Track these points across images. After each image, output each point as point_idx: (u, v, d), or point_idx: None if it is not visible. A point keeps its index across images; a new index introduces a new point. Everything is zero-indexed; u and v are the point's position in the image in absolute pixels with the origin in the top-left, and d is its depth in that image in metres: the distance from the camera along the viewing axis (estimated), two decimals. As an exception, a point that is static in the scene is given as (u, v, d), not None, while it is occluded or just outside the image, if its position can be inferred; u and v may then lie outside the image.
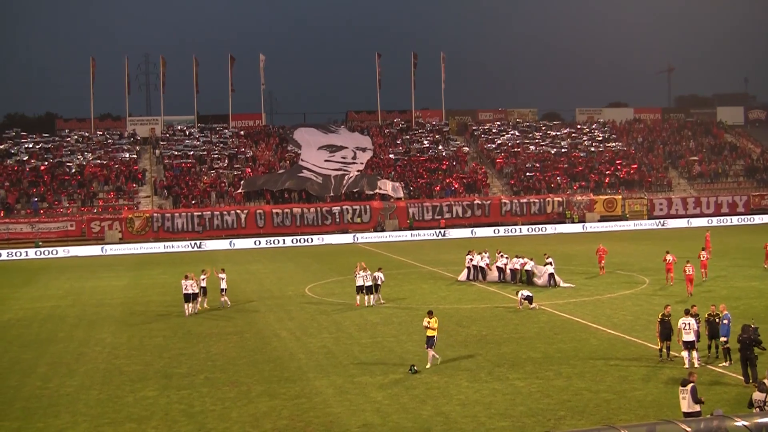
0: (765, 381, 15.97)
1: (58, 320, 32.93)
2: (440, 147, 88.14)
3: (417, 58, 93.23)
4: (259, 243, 68.12)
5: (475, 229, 72.59)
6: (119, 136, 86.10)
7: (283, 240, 69.05)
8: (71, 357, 25.71)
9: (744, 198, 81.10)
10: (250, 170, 79.85)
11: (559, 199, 77.59)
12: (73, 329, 30.77)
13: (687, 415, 15.59)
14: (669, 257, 36.76)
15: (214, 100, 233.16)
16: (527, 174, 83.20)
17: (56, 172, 76.94)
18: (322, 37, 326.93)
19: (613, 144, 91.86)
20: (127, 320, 32.37)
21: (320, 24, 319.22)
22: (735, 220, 77.73)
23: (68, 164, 78.55)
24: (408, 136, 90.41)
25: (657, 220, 76.73)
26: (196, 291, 33.20)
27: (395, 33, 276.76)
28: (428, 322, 22.74)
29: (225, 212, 71.48)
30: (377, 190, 76.86)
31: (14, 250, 64.33)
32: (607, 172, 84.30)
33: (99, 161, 79.76)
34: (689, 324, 21.50)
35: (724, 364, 21.68)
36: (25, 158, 79.03)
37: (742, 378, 19.99)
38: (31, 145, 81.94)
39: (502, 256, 40.07)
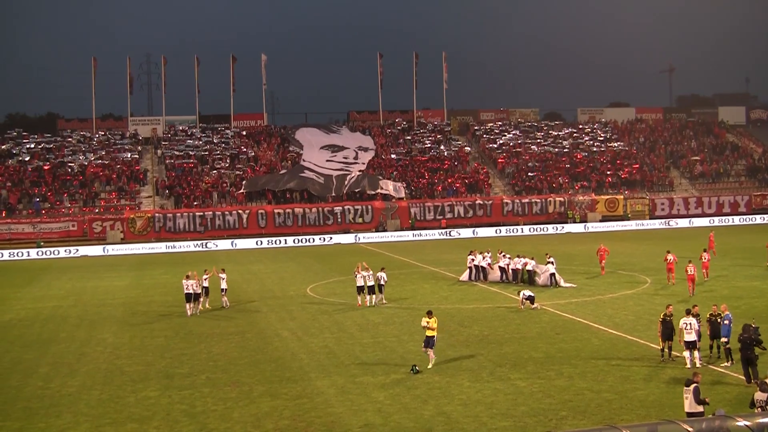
0: (767, 380, 15.95)
1: (60, 320, 32.96)
2: (442, 147, 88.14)
3: (418, 58, 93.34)
4: (261, 243, 68.14)
5: (477, 229, 72.59)
6: (121, 136, 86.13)
7: (285, 240, 69.07)
8: (73, 357, 25.73)
9: (746, 198, 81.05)
10: (251, 170, 79.88)
11: (561, 199, 77.56)
12: (74, 329, 30.80)
13: (690, 415, 15.58)
14: (670, 257, 36.75)
15: (216, 100, 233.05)
16: (529, 174, 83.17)
17: (58, 173, 77.00)
18: (324, 37, 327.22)
19: (615, 144, 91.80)
20: (129, 320, 32.39)
21: (322, 24, 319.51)
22: (737, 219, 77.67)
23: (70, 164, 78.60)
24: (409, 136, 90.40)
25: (660, 220, 76.70)
26: (198, 291, 33.23)
27: (397, 33, 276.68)
28: (427, 322, 22.68)
29: (227, 212, 71.52)
30: (379, 190, 76.86)
31: (16, 251, 64.38)
32: (609, 172, 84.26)
33: (101, 161, 79.81)
34: (690, 324, 21.49)
35: (725, 364, 21.67)
36: (27, 158, 79.07)
37: (743, 378, 19.98)
38: (32, 146, 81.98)
39: (504, 256, 40.08)
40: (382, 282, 33.84)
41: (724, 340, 21.97)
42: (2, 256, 63.21)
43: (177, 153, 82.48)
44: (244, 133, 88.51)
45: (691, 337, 21.48)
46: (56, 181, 75.71)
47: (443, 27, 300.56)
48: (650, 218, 77.77)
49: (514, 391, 20.07)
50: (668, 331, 22.29)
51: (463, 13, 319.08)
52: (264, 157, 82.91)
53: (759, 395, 15.30)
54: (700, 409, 15.65)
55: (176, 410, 19.44)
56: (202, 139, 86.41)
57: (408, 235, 71.32)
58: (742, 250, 50.92)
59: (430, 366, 22.44)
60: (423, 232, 72.04)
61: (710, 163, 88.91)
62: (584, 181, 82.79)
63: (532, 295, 31.79)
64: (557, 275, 37.38)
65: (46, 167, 77.24)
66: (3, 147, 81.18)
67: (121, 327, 30.90)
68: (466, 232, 71.66)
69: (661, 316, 22.74)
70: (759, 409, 15.05)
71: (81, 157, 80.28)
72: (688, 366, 21.38)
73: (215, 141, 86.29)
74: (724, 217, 77.74)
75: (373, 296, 33.44)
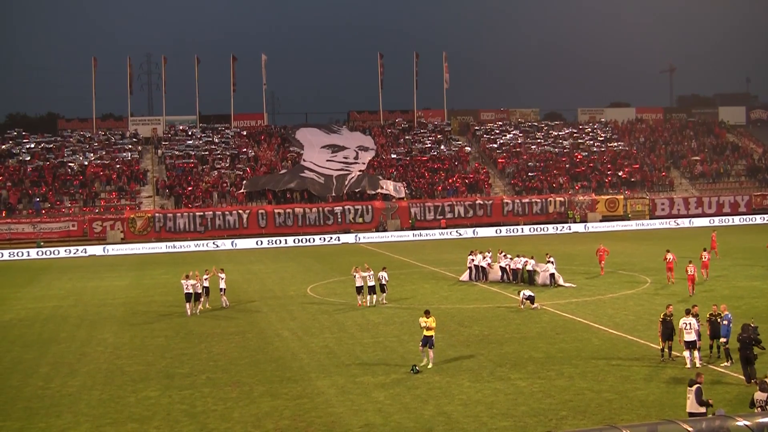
0: (767, 380, 15.96)
1: (60, 320, 32.97)
2: (442, 147, 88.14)
3: (419, 58, 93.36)
4: (261, 243, 68.15)
5: (477, 229, 72.60)
6: (121, 136, 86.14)
7: (285, 240, 69.08)
8: (73, 357, 25.74)
9: (746, 198, 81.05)
10: (251, 170, 79.88)
11: (561, 199, 77.56)
12: (75, 329, 30.80)
13: (691, 415, 15.58)
14: (669, 256, 36.80)
15: (216, 100, 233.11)
16: (529, 174, 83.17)
17: (58, 172, 77.01)
18: (324, 36, 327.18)
19: (615, 144, 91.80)
20: (129, 320, 32.39)
21: (322, 24, 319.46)
22: (737, 220, 77.68)
23: (70, 164, 78.60)
24: (410, 136, 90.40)
25: (662, 220, 76.74)
26: (199, 291, 33.24)
27: (397, 33, 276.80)
28: (426, 322, 22.61)
29: (227, 212, 71.53)
30: (379, 190, 76.87)
31: (16, 250, 64.39)
32: (609, 172, 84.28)
33: (101, 161, 79.81)
34: (690, 324, 21.51)
35: (725, 364, 21.69)
36: (27, 158, 79.08)
37: (743, 378, 20.00)
38: (32, 145, 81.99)
39: (505, 256, 40.10)
40: (384, 281, 33.84)
41: (723, 340, 21.99)
42: (2, 256, 63.22)
43: (177, 153, 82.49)
44: (245, 133, 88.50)
45: (691, 337, 21.49)
46: (56, 181, 75.72)
47: (443, 27, 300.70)
48: (650, 218, 77.78)
49: (515, 391, 20.08)
50: (668, 331, 22.31)
51: (463, 13, 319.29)
52: (264, 157, 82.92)
53: (759, 395, 15.31)
54: (702, 409, 15.64)
55: (177, 410, 19.46)
56: (202, 139, 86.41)
57: (408, 235, 71.34)
58: (742, 250, 50.94)
59: (430, 366, 22.42)
60: (423, 232, 72.06)
61: (710, 163, 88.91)
62: (584, 181, 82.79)
63: (533, 295, 31.81)
64: (557, 274, 37.40)
65: (46, 167, 77.25)
66: (3, 147, 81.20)
67: (122, 327, 30.92)
68: (466, 232, 71.65)
69: (662, 316, 22.76)
70: (759, 409, 15.06)
71: (81, 157, 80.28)
72: (688, 366, 21.40)
73: (215, 141, 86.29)
74: (724, 217, 77.74)
75: (374, 296, 33.45)
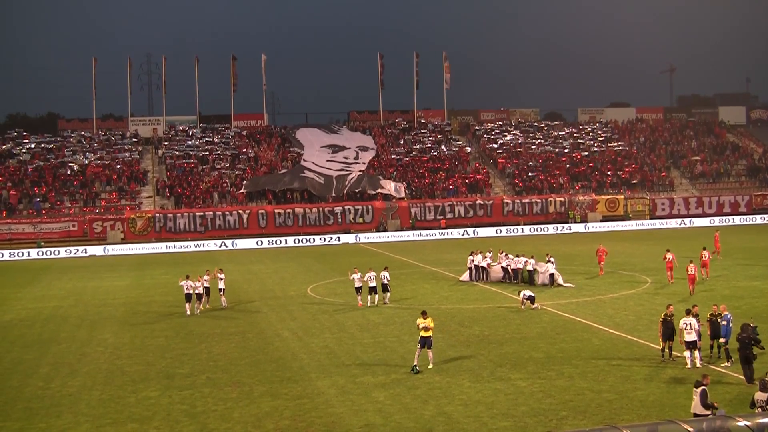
0: (767, 379, 15.95)
1: (61, 320, 32.97)
2: (442, 147, 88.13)
3: (419, 58, 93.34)
4: (262, 243, 68.15)
5: (477, 229, 72.60)
6: (121, 136, 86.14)
7: (285, 240, 69.08)
8: (73, 357, 25.74)
9: (746, 198, 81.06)
10: (252, 170, 79.88)
11: (561, 199, 77.56)
12: (75, 329, 30.80)
13: (695, 416, 15.57)
14: (669, 255, 36.81)
15: (216, 100, 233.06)
16: (529, 174, 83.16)
17: (58, 173, 77.01)
18: (324, 36, 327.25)
19: (615, 144, 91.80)
20: (129, 320, 32.39)
21: (322, 24, 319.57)
22: (737, 219, 77.67)
23: (70, 164, 78.59)
24: (410, 136, 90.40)
25: (661, 220, 76.75)
26: (200, 291, 33.24)
27: (397, 33, 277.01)
28: (423, 323, 22.46)
29: (227, 212, 71.53)
30: (379, 190, 76.88)
31: (16, 251, 64.39)
32: (609, 172, 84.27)
33: (101, 161, 79.81)
34: (691, 324, 21.50)
35: (725, 364, 21.69)
36: (27, 158, 79.08)
37: (743, 378, 20.00)
38: (33, 146, 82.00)
39: (506, 256, 40.09)
40: (385, 281, 33.82)
41: (722, 340, 21.98)
42: (2, 256, 63.22)
43: (177, 153, 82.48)
44: (245, 133, 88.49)
45: (692, 337, 21.48)
46: (56, 181, 75.72)
47: (443, 27, 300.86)
48: (651, 218, 77.78)
49: (515, 391, 20.08)
50: (669, 331, 22.30)
51: (463, 13, 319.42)
52: (264, 157, 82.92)
53: (759, 395, 15.30)
54: (707, 412, 15.60)
55: (177, 410, 19.45)
56: (202, 139, 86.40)
57: (408, 235, 71.33)
58: (742, 250, 50.93)
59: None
60: (423, 232, 72.05)
61: (711, 163, 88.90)
62: (584, 181, 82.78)
63: (533, 295, 31.81)
64: (557, 274, 37.41)
65: (46, 167, 77.25)
66: (3, 147, 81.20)
67: (122, 327, 30.91)
68: (466, 232, 71.61)
69: (662, 316, 22.75)
70: (759, 409, 15.05)
71: (81, 157, 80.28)
72: (689, 366, 21.40)
73: (215, 141, 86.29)
74: (724, 217, 77.70)
75: (375, 296, 33.44)
